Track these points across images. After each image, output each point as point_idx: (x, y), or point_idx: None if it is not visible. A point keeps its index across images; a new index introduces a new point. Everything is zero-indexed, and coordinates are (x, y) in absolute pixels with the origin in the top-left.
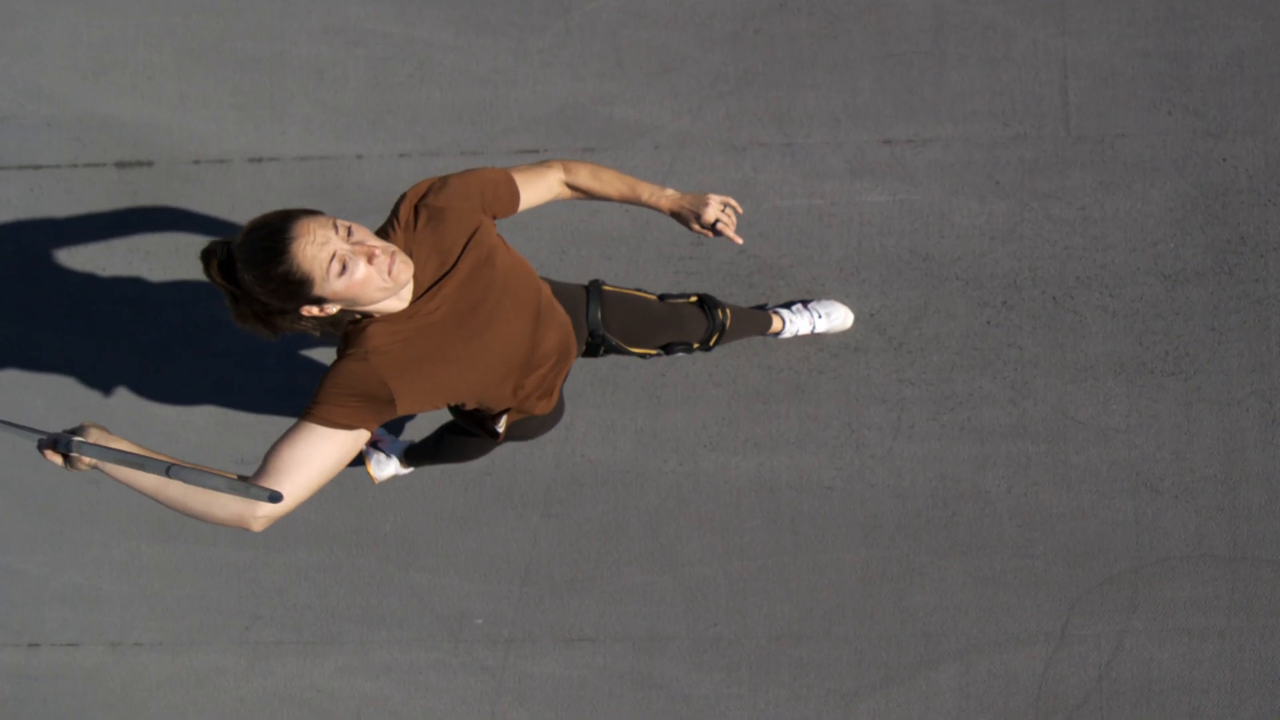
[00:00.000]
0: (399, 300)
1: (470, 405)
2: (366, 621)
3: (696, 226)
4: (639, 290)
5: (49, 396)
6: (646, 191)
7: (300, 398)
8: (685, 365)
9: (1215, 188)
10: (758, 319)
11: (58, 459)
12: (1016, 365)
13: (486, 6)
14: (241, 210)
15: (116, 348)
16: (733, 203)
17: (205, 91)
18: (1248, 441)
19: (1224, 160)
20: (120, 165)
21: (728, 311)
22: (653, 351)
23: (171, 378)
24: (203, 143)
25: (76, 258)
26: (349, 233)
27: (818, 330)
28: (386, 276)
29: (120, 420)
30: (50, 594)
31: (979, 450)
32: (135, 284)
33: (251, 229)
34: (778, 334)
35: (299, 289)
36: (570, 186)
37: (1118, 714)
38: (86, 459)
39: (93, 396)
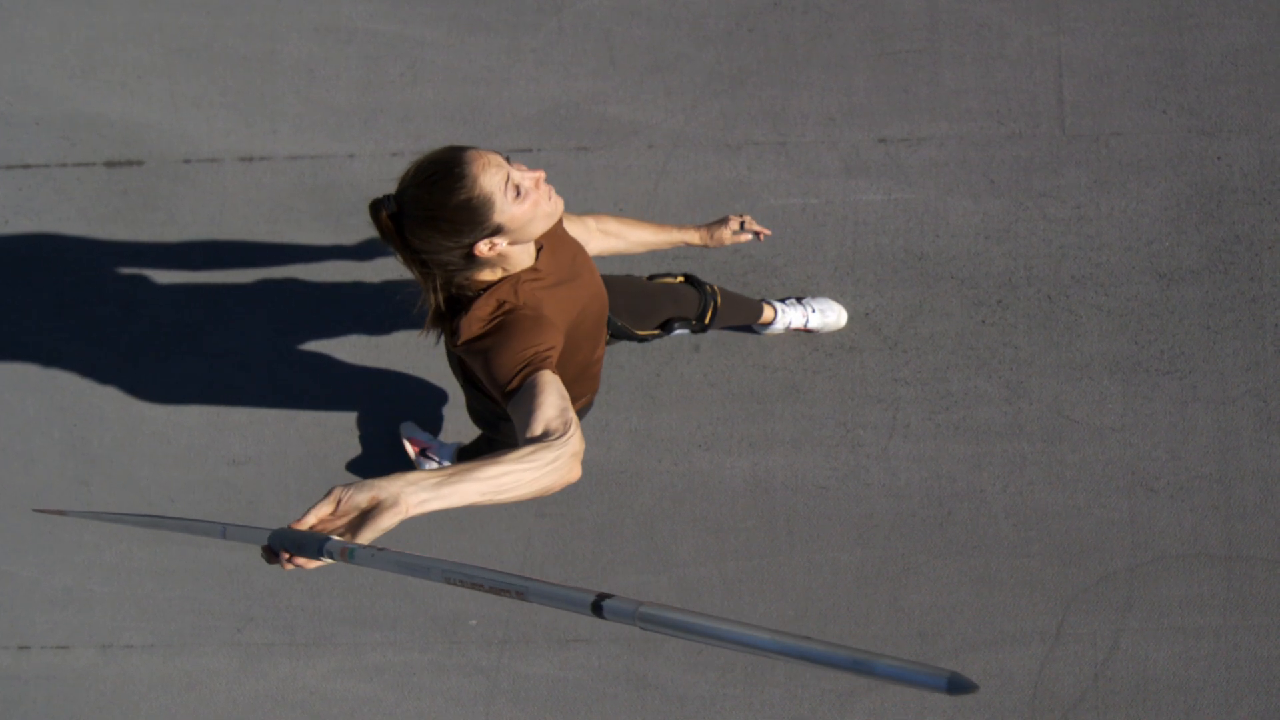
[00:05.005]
0: (529, 255)
1: (573, 371)
2: (359, 623)
3: (730, 236)
4: (628, 275)
5: (39, 397)
6: (677, 229)
7: (292, 398)
8: (680, 365)
9: (1210, 186)
10: (749, 304)
11: (312, 562)
12: (1012, 364)
13: (479, 4)
14: (232, 209)
15: (107, 348)
16: (746, 216)
17: (196, 90)
18: (1243, 440)
19: (1219, 159)
20: (110, 164)
21: (716, 288)
22: (654, 331)
23: (162, 378)
24: (193, 142)
25: (66, 257)
26: (507, 160)
27: (811, 326)
28: (549, 200)
29: (110, 421)
30: (40, 596)
31: (974, 449)
32: (125, 283)
33: (422, 167)
34: (769, 324)
35: (480, 214)
36: (602, 231)
37: (1113, 713)
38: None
39: (83, 397)
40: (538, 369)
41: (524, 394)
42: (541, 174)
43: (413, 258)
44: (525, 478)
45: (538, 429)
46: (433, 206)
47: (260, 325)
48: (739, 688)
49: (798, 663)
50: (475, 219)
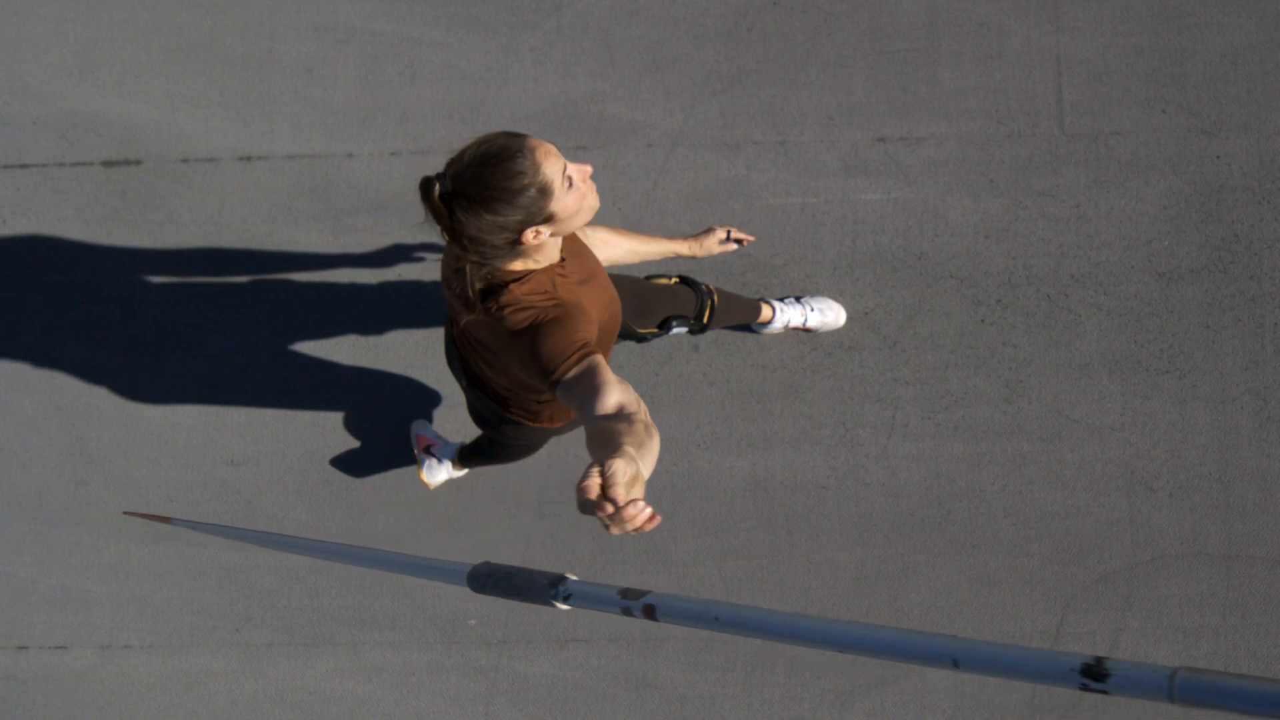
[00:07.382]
0: (557, 250)
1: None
2: (358, 623)
3: (718, 245)
4: (626, 275)
5: (37, 397)
6: (666, 239)
7: (290, 398)
8: (679, 364)
9: (1210, 185)
10: (747, 304)
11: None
12: (1011, 364)
13: (477, 3)
14: (231, 209)
15: (104, 348)
16: (731, 227)
17: (194, 89)
18: (1242, 439)
19: (1218, 158)
20: (108, 164)
21: (712, 287)
22: (654, 329)
23: (161, 378)
24: (191, 141)
25: (64, 257)
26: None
27: (810, 325)
28: (593, 195)
29: (108, 421)
30: (39, 596)
31: (974, 449)
32: (123, 283)
33: (484, 149)
34: (768, 323)
35: (538, 200)
36: (600, 241)
37: (1112, 713)
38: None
39: (81, 397)
40: (592, 353)
41: (584, 377)
42: (589, 169)
43: (456, 238)
44: (657, 449)
45: (610, 406)
46: (494, 188)
47: (259, 325)
48: (739, 688)
49: None
50: (533, 204)
